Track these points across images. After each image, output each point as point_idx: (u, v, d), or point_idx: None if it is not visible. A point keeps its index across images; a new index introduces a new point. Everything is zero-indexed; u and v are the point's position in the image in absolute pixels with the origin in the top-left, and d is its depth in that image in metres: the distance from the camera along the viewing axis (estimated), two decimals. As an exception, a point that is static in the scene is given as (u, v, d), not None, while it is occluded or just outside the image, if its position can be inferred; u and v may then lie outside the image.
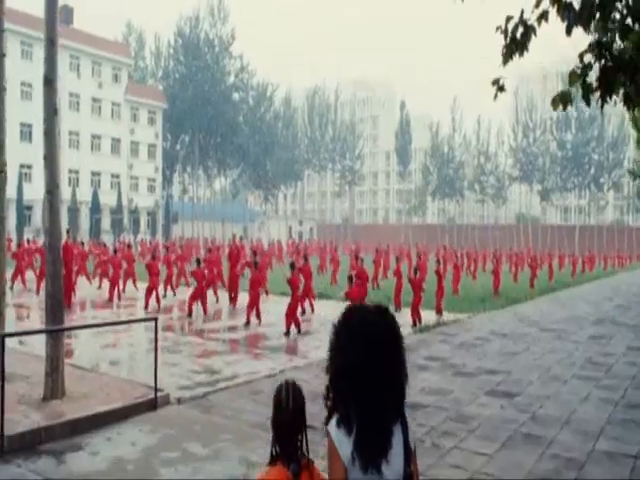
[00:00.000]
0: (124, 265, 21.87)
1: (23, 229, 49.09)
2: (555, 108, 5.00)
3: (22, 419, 7.05)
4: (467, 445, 7.16)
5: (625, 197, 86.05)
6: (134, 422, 7.59)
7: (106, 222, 56.82)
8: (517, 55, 4.92)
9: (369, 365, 2.40)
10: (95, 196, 54.28)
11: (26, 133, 51.01)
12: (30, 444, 6.64)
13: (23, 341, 12.14)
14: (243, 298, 18.12)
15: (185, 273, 24.71)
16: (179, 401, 8.44)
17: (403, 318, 16.96)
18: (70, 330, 7.98)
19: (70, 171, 53.38)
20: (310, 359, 11.58)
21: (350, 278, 14.87)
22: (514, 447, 7.13)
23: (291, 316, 14.58)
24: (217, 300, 20.04)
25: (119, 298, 19.82)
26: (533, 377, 10.55)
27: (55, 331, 7.68)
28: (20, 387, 8.30)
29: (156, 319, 8.22)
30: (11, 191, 48.16)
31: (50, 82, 8.03)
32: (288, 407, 2.62)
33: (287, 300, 20.67)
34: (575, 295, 26.48)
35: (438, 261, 21.11)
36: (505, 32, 4.88)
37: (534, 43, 4.92)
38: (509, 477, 6.35)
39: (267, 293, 21.30)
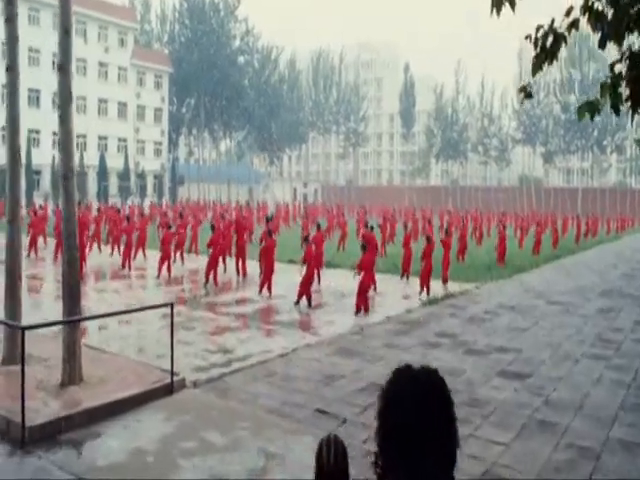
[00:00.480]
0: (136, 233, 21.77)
1: (32, 193, 49.11)
2: (581, 118, 4.81)
3: (41, 407, 6.98)
4: (483, 433, 7.08)
5: (628, 159, 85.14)
6: (151, 408, 7.52)
7: (113, 186, 56.55)
8: (547, 64, 4.69)
9: (419, 427, 2.23)
10: (102, 160, 53.96)
11: (34, 98, 50.50)
12: (50, 434, 6.58)
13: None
14: (252, 269, 18.06)
15: (197, 240, 24.55)
16: (195, 384, 8.36)
17: (412, 288, 16.92)
18: (88, 320, 7.83)
19: (77, 136, 52.82)
20: (322, 336, 11.49)
21: (364, 247, 14.66)
22: (529, 435, 7.05)
23: (305, 287, 14.43)
24: (225, 270, 19.94)
25: (129, 267, 19.74)
26: (544, 356, 10.45)
27: (74, 321, 7.56)
28: (38, 371, 8.22)
29: (172, 305, 8.07)
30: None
31: (64, 69, 7.76)
32: (329, 469, 2.44)
33: (295, 268, 20.75)
34: (579, 262, 26.32)
35: (446, 231, 20.84)
36: (535, 42, 4.67)
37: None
38: (525, 468, 6.28)
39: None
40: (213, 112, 70.51)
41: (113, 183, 56.62)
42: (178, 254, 21.52)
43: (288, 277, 16.76)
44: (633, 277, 21.63)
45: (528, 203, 79.53)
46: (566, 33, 4.61)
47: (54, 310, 12.21)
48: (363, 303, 13.72)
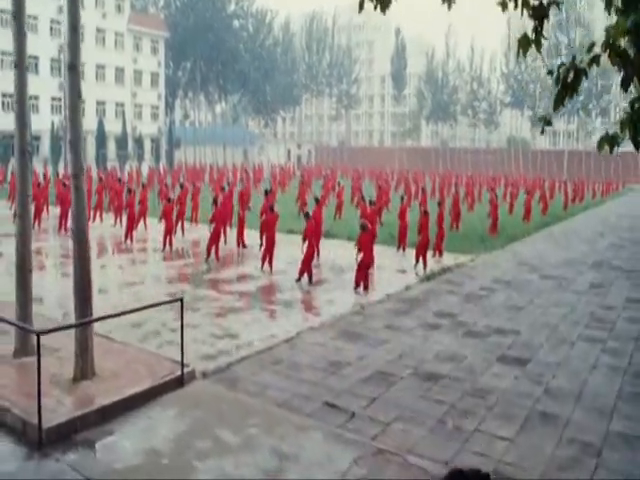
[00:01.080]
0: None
1: (32, 159, 48.18)
2: (601, 150, 4.71)
3: (57, 406, 6.86)
4: (487, 427, 7.03)
5: (612, 123, 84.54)
6: (163, 403, 7.41)
7: (111, 150, 55.74)
8: (567, 97, 4.61)
9: None
10: (101, 125, 53.09)
11: (33, 65, 49.19)
12: (66, 434, 6.48)
13: (46, 304, 11.91)
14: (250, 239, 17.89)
15: (198, 210, 24.23)
16: (204, 375, 8.25)
17: (408, 261, 16.80)
18: (101, 320, 7.65)
19: (75, 100, 51.87)
20: (324, 317, 11.36)
21: (364, 227, 14.35)
22: (532, 429, 7.02)
23: (306, 265, 14.27)
24: (225, 241, 19.74)
25: (131, 240, 19.51)
26: (541, 338, 10.41)
27: (88, 323, 7.38)
28: (50, 364, 8.05)
29: (182, 300, 7.89)
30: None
31: (74, 68, 7.41)
32: None
33: (294, 239, 20.55)
34: (568, 230, 26.28)
35: (439, 203, 20.60)
36: (557, 79, 4.55)
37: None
38: (530, 465, 6.25)
39: None
40: (209, 76, 69.26)
41: (111, 147, 55.80)
42: (179, 225, 21.27)
43: (288, 250, 16.61)
44: (621, 247, 21.61)
45: (516, 165, 79.22)
46: (587, 68, 4.56)
47: (61, 289, 12.05)
48: (363, 279, 13.60)
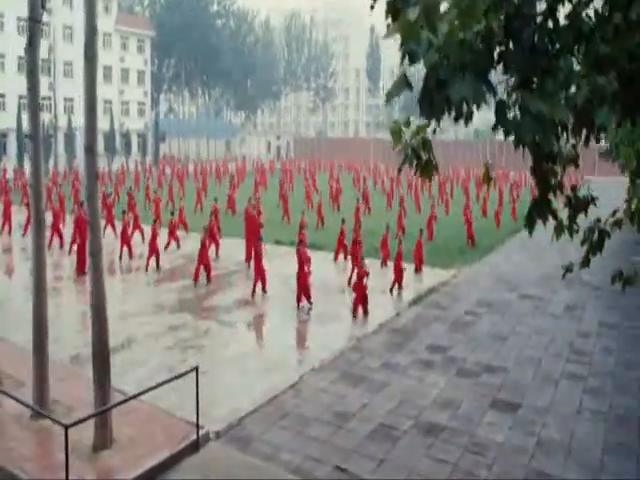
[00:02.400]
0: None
1: (23, 156, 47.22)
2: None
3: (80, 485, 6.72)
4: (490, 492, 7.08)
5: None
6: (182, 470, 7.32)
7: (100, 146, 54.63)
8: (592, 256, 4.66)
9: None
10: (89, 122, 51.91)
11: (24, 65, 47.73)
12: (92, 517, 6.36)
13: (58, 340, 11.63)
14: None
15: (184, 219, 23.89)
16: (217, 435, 8.15)
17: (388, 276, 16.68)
18: (121, 404, 7.43)
19: (65, 99, 50.76)
20: (323, 354, 11.27)
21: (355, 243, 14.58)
22: (531, 494, 7.08)
23: (302, 289, 14.13)
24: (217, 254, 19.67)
25: (130, 254, 19.22)
26: (528, 377, 10.49)
27: (110, 409, 7.21)
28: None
29: (197, 369, 7.74)
30: (11, 121, 45.83)
31: (92, 59, 7.60)
32: None
33: (283, 250, 20.48)
34: (537, 237, 26.41)
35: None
36: (584, 240, 4.58)
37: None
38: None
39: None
40: (192, 72, 68.23)
41: (99, 143, 54.71)
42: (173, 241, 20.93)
43: (278, 266, 16.54)
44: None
45: (483, 157, 79.49)
46: (609, 230, 4.60)
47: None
48: (361, 302, 13.51)
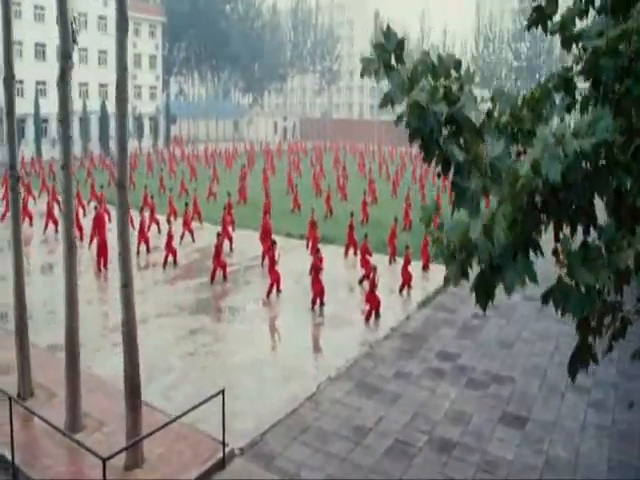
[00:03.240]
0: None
1: (40, 140, 47.09)
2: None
3: (116, 507, 6.83)
4: (502, 515, 7.17)
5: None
6: (210, 490, 7.44)
7: (113, 129, 54.28)
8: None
9: None
10: (103, 106, 51.58)
11: (40, 52, 47.83)
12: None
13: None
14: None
15: (199, 209, 23.74)
16: (242, 452, 8.25)
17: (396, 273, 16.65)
18: (151, 435, 7.43)
19: (80, 84, 50.24)
20: (338, 363, 11.29)
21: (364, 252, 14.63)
22: (542, 517, 7.18)
23: (317, 292, 14.20)
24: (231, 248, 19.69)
25: (148, 250, 19.25)
26: (534, 388, 10.56)
27: (141, 439, 7.28)
28: (98, 441, 7.96)
29: (223, 392, 7.80)
30: (29, 106, 45.39)
31: (123, 67, 7.68)
32: None
33: (294, 243, 20.54)
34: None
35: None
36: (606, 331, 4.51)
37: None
38: None
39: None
40: (202, 56, 67.48)
41: (113, 126, 54.32)
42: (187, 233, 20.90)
43: (290, 261, 16.65)
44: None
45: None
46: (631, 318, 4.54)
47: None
48: (374, 307, 13.52)
